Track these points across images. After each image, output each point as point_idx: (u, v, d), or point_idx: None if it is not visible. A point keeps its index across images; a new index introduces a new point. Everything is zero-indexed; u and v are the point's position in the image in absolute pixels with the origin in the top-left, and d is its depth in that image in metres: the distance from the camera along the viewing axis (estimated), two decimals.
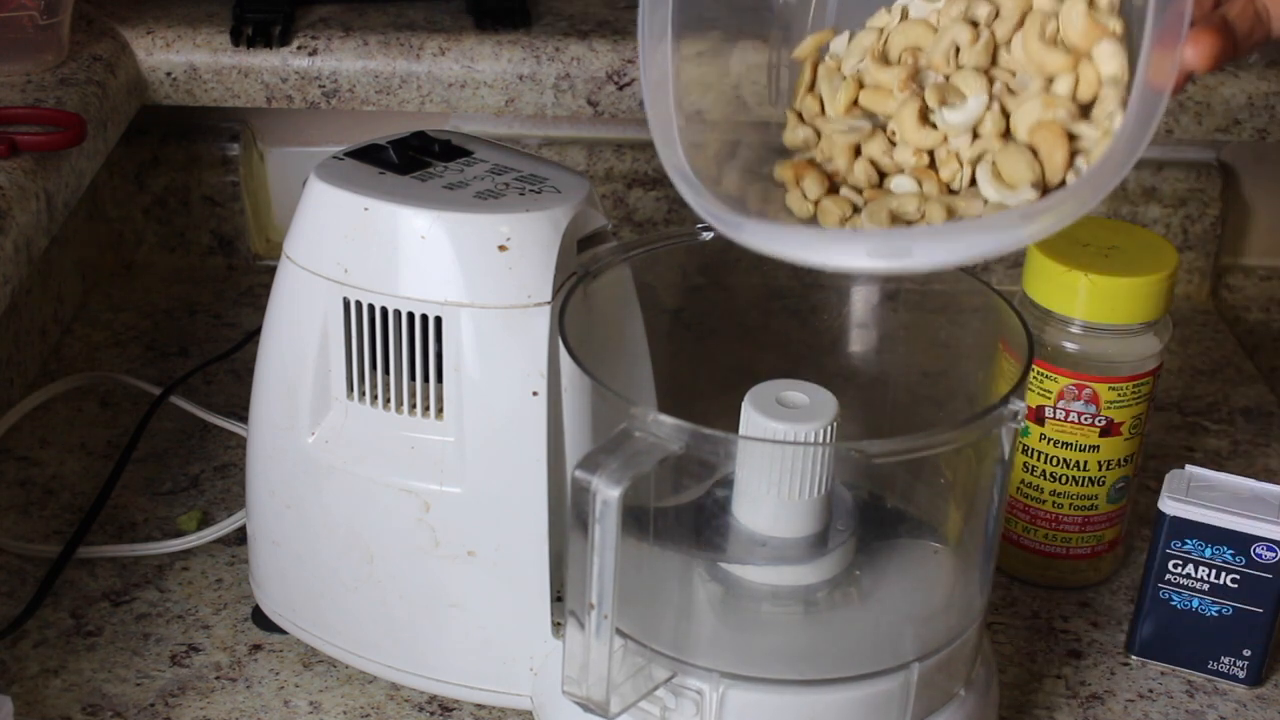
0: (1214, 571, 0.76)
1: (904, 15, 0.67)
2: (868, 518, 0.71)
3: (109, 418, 0.95)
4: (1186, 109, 1.06)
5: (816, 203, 0.65)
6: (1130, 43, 0.61)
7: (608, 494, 0.59)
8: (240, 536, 0.84)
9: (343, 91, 1.04)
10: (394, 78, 1.03)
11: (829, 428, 0.66)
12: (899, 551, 0.72)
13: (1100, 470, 0.81)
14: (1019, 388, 0.64)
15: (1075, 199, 0.57)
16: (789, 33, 0.69)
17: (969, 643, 0.69)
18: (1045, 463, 0.82)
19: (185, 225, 1.13)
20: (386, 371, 0.70)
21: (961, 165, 0.63)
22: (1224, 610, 0.77)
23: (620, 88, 1.04)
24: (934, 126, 0.64)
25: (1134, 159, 0.57)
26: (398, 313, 0.68)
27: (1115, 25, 0.61)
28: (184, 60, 1.03)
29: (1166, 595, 0.78)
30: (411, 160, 0.71)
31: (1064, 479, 0.82)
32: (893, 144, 0.65)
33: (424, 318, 0.68)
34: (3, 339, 0.93)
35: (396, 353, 0.69)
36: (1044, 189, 0.61)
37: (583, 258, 0.70)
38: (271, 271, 0.73)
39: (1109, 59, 0.61)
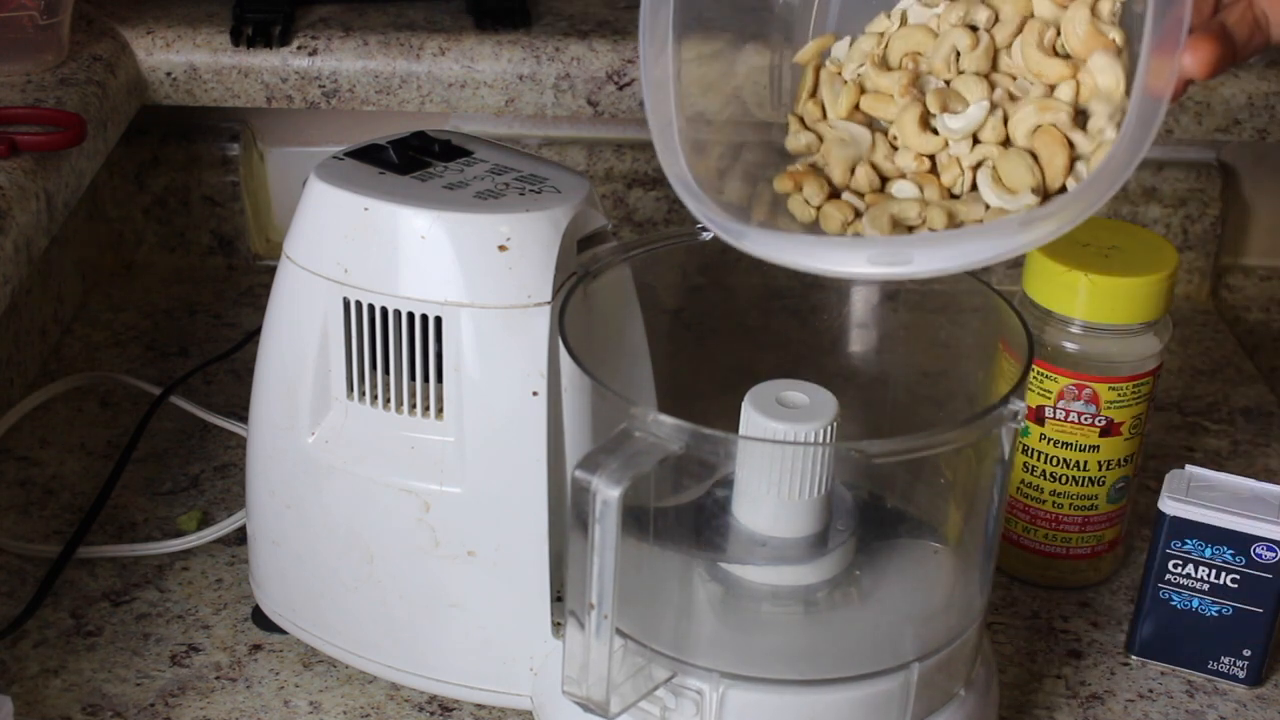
0: (1214, 571, 0.76)
1: (904, 20, 0.67)
2: (868, 518, 0.71)
3: (109, 418, 0.95)
4: (1186, 109, 1.06)
5: (819, 208, 0.65)
6: (1130, 52, 0.62)
7: (608, 494, 0.59)
8: (240, 536, 0.84)
9: (343, 91, 1.04)
10: (394, 78, 1.03)
11: (829, 428, 0.66)
12: (899, 551, 0.72)
13: (1100, 470, 0.82)
14: (1019, 388, 0.64)
15: (1074, 205, 0.57)
16: (790, 36, 0.69)
17: (969, 643, 0.69)
18: (1045, 463, 0.82)
19: (185, 225, 1.13)
20: (386, 371, 0.70)
21: (963, 170, 0.64)
22: (1224, 610, 0.77)
23: (620, 88, 1.04)
24: (935, 132, 0.64)
25: (1133, 165, 0.57)
26: (398, 313, 0.68)
27: (1116, 35, 0.62)
28: (184, 60, 1.03)
29: (1166, 595, 0.78)
30: (411, 160, 0.71)
31: (1064, 479, 0.82)
32: (894, 149, 0.65)
33: (424, 318, 0.68)
34: (3, 339, 0.93)
35: (396, 353, 0.69)
36: (1045, 194, 0.62)
37: (583, 258, 0.70)
38: (271, 271, 0.73)
39: (1102, 72, 0.61)
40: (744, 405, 0.67)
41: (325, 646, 0.75)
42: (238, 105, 1.05)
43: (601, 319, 0.72)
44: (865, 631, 0.69)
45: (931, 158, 0.65)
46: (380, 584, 0.72)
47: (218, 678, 0.76)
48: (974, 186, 0.63)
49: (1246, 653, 0.78)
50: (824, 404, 0.67)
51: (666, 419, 0.61)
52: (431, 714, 0.75)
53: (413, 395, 0.70)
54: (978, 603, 0.69)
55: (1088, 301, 0.78)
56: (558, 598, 0.70)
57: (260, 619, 0.79)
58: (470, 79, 1.03)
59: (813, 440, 0.66)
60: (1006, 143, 0.63)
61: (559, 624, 0.70)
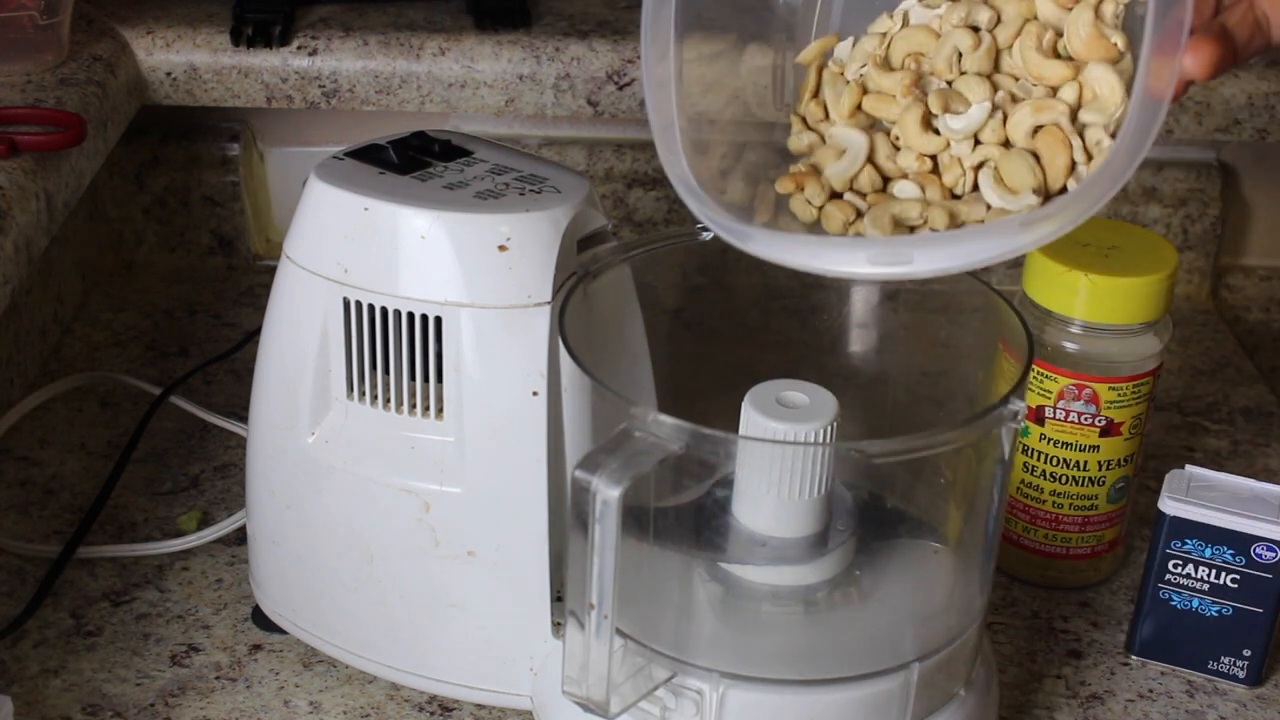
0: (1214, 571, 0.76)
1: (906, 21, 0.67)
2: (868, 518, 0.71)
3: (109, 418, 0.95)
4: (1187, 109, 1.06)
5: (820, 208, 0.65)
6: (1132, 55, 0.62)
7: (608, 494, 0.59)
8: (240, 536, 0.84)
9: (343, 91, 1.04)
10: (394, 78, 1.03)
11: (829, 428, 0.66)
12: (899, 551, 0.72)
13: (1100, 470, 0.82)
14: (1019, 388, 0.64)
15: (1075, 206, 0.57)
16: (793, 36, 0.69)
17: (969, 643, 0.69)
18: (1045, 463, 0.82)
19: (185, 225, 1.13)
20: (386, 371, 0.70)
21: (964, 170, 0.64)
22: (1224, 610, 0.77)
23: (620, 88, 1.04)
24: (937, 132, 0.64)
25: (1133, 167, 0.57)
26: (398, 313, 0.68)
27: (1118, 39, 0.62)
28: (184, 60, 1.03)
29: (1166, 595, 0.78)
30: (411, 160, 0.71)
31: (1064, 479, 0.82)
32: (896, 149, 0.65)
33: (424, 318, 0.68)
34: (3, 339, 0.93)
35: (396, 353, 0.69)
36: (1046, 194, 0.62)
37: (583, 258, 0.70)
38: (271, 271, 0.73)
39: (1099, 81, 0.61)
40: (744, 405, 0.67)
41: (325, 646, 0.75)
42: (238, 105, 1.05)
43: (601, 319, 0.72)
44: (865, 631, 0.69)
45: (933, 158, 0.65)
46: (380, 584, 0.72)
47: (218, 678, 0.76)
48: (975, 187, 0.63)
49: (1246, 653, 0.78)
50: (824, 404, 0.67)
51: (666, 419, 0.61)
52: (431, 714, 0.75)
53: (413, 395, 0.70)
54: (978, 603, 0.69)
55: (1088, 301, 0.78)
56: (558, 598, 0.70)
57: (260, 619, 0.79)
58: (470, 79, 1.03)
59: (813, 440, 0.66)
60: (1008, 143, 0.63)
61: (559, 624, 0.70)
